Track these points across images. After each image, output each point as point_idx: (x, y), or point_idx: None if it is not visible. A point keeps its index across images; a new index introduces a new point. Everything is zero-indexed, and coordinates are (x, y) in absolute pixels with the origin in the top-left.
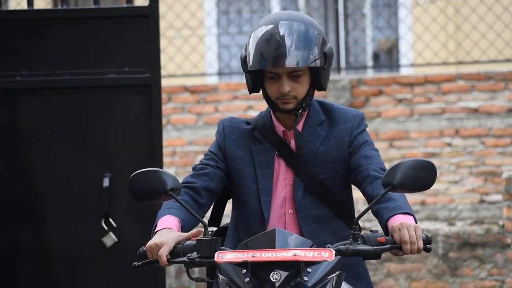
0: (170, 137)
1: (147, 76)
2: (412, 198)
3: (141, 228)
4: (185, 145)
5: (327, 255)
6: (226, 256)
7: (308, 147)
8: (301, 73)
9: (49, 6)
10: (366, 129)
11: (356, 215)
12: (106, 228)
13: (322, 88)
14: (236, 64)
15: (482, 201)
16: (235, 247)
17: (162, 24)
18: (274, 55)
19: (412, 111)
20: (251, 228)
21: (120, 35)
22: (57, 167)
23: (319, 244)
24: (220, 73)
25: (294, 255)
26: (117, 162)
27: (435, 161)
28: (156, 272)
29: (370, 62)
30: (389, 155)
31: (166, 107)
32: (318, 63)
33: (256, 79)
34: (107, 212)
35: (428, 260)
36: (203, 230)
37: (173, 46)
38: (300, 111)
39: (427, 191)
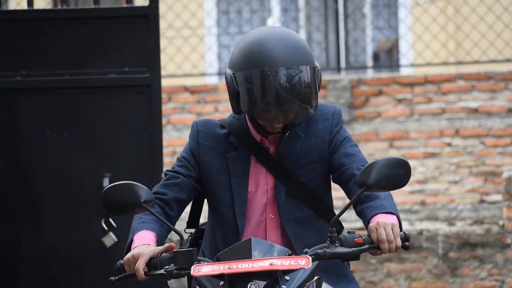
0: (170, 137)
1: (147, 76)
2: (412, 198)
3: None
4: (185, 145)
5: (304, 262)
6: (202, 269)
7: (287, 150)
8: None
9: (49, 6)
10: (343, 125)
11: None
12: (106, 228)
13: (313, 111)
14: None
15: (482, 201)
16: (212, 252)
17: (162, 24)
18: (269, 113)
19: (412, 111)
20: (226, 237)
21: (120, 35)
22: (57, 167)
23: (304, 246)
24: (220, 73)
25: (271, 264)
26: (117, 162)
27: (435, 161)
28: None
29: (370, 62)
30: (389, 155)
31: (166, 107)
32: (312, 102)
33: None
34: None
35: (428, 260)
36: (177, 241)
37: (173, 46)
38: (287, 134)
39: (427, 191)
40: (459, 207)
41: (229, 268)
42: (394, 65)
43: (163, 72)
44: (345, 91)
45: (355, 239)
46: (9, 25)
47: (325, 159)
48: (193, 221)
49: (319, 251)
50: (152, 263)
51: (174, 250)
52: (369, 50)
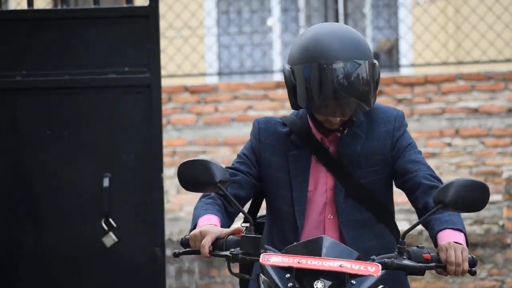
0: (170, 137)
1: (147, 76)
2: None
3: (141, 228)
4: (185, 145)
5: (373, 269)
6: (272, 259)
7: (348, 151)
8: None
9: (49, 6)
10: (407, 128)
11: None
12: (106, 228)
13: (370, 106)
14: (236, 64)
15: None
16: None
17: (162, 24)
18: (326, 107)
19: (412, 111)
20: (284, 235)
21: (120, 35)
22: (57, 167)
23: (361, 250)
24: (220, 73)
25: (341, 266)
26: (117, 162)
27: (435, 161)
28: (156, 272)
29: None
30: None
31: (166, 107)
32: (369, 99)
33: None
34: (107, 212)
35: None
36: (244, 227)
37: (173, 46)
38: (346, 130)
39: None
40: None
41: (298, 262)
42: (394, 65)
43: (163, 72)
44: None
45: (424, 255)
46: (9, 25)
47: (386, 162)
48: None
49: (386, 260)
50: (218, 243)
51: (242, 234)
52: None
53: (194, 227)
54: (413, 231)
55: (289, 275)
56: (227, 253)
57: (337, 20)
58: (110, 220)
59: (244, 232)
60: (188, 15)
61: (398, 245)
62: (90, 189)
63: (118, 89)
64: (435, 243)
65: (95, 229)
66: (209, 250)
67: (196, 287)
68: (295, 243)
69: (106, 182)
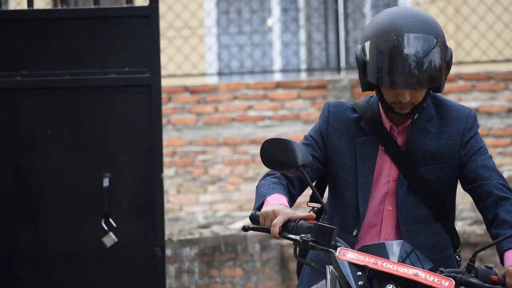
0: (170, 137)
1: (147, 76)
2: None
3: (141, 228)
4: (185, 145)
5: (447, 284)
6: (348, 254)
7: (416, 145)
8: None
9: (49, 6)
10: (478, 130)
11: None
12: (106, 228)
13: (439, 90)
14: (236, 64)
15: None
16: None
17: (162, 24)
18: (393, 76)
19: None
20: (346, 221)
21: (120, 35)
22: (57, 167)
23: (415, 245)
24: (220, 73)
25: (415, 274)
26: (117, 162)
27: None
28: (156, 272)
29: None
30: None
31: (166, 107)
32: (439, 78)
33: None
34: (107, 212)
35: None
36: (314, 215)
37: (173, 46)
38: (416, 115)
39: None
40: (459, 207)
41: (374, 263)
42: None
43: (163, 72)
44: (345, 91)
45: (491, 276)
46: (9, 25)
47: (454, 162)
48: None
49: (455, 274)
50: (288, 225)
51: (315, 222)
52: None
53: (261, 204)
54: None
55: (360, 273)
56: (298, 237)
57: (337, 20)
58: (110, 220)
59: (319, 220)
60: (188, 15)
61: (468, 262)
62: (90, 189)
63: (118, 89)
64: (502, 260)
65: (95, 229)
66: (279, 231)
67: (196, 287)
68: (372, 243)
69: (106, 182)
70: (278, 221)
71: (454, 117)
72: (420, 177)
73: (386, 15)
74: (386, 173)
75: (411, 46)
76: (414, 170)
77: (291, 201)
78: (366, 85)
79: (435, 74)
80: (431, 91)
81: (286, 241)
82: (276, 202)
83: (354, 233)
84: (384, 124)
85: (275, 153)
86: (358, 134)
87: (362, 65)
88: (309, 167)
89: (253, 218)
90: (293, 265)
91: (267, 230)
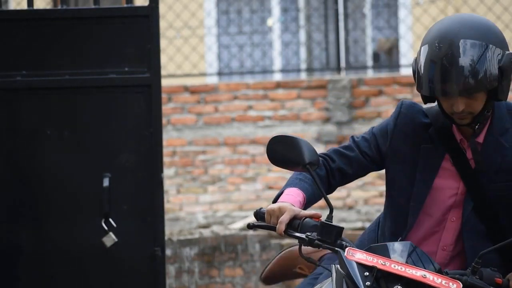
0: (170, 137)
1: (147, 76)
2: None
3: (141, 228)
4: (185, 145)
5: (455, 286)
6: (356, 254)
7: (488, 162)
8: (476, 91)
9: (49, 6)
10: None
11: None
12: (106, 228)
13: (501, 99)
14: (236, 64)
15: None
16: (376, 235)
17: (162, 24)
18: (443, 84)
19: None
20: (395, 228)
21: (120, 35)
22: (57, 167)
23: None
24: (220, 73)
25: (423, 276)
26: (117, 162)
27: None
28: (156, 272)
29: (370, 62)
30: None
31: (166, 107)
32: (492, 84)
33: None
34: (107, 212)
35: None
36: (320, 213)
37: (173, 46)
38: (477, 126)
39: None
40: None
41: (382, 263)
42: (394, 65)
43: (163, 72)
44: (345, 91)
45: (496, 279)
46: (9, 25)
47: None
48: None
49: (460, 277)
50: (293, 223)
51: (321, 221)
52: (369, 50)
53: (278, 196)
54: None
55: (368, 273)
56: (303, 235)
57: (337, 20)
58: (110, 220)
59: (324, 219)
60: (188, 15)
61: (473, 263)
62: (90, 189)
63: (118, 89)
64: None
65: (95, 229)
66: (285, 229)
67: (196, 287)
68: (381, 243)
69: (106, 182)
70: (284, 219)
71: None
72: (487, 198)
73: (439, 22)
74: (454, 185)
75: (458, 52)
76: (479, 188)
77: (329, 190)
78: (424, 99)
79: (482, 79)
80: (495, 101)
81: (286, 241)
82: (287, 198)
83: (399, 240)
84: (454, 135)
85: (281, 150)
86: (425, 141)
87: (414, 74)
88: (316, 165)
89: (258, 215)
90: None
91: (272, 228)
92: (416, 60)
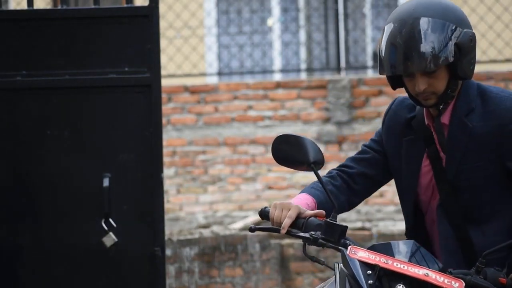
0: (170, 137)
1: (147, 76)
2: None
3: (141, 228)
4: (185, 145)
5: (457, 285)
6: (359, 253)
7: (454, 142)
8: (435, 69)
9: (49, 6)
10: None
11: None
12: (106, 228)
13: (465, 78)
14: (236, 64)
15: None
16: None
17: (162, 24)
18: (400, 62)
19: None
20: (406, 224)
21: (120, 35)
22: (57, 167)
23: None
24: (220, 73)
25: (426, 275)
26: (117, 162)
27: None
28: (156, 272)
29: (370, 62)
30: None
31: (166, 107)
32: (449, 59)
33: (393, 76)
34: (107, 212)
35: None
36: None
37: (173, 46)
38: (441, 106)
39: None
40: None
41: (384, 262)
42: None
43: (163, 72)
44: (345, 91)
45: (500, 278)
46: (9, 25)
47: (496, 159)
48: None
49: (464, 276)
50: (297, 222)
51: (325, 219)
52: (369, 50)
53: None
54: None
55: (371, 272)
56: (307, 235)
57: (337, 20)
58: (110, 220)
59: (329, 218)
60: (188, 15)
61: (477, 263)
62: (90, 189)
63: (118, 89)
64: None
65: (95, 229)
66: (288, 230)
67: (196, 287)
68: (383, 242)
69: (106, 182)
70: (291, 214)
71: (498, 111)
72: (451, 184)
73: (402, 5)
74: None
75: (410, 29)
76: (445, 174)
77: (356, 197)
78: (390, 83)
79: (437, 55)
80: (458, 79)
81: (286, 241)
82: (296, 200)
83: (407, 235)
84: (425, 120)
85: (286, 149)
86: (407, 133)
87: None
88: (321, 164)
89: (263, 214)
90: (293, 265)
91: (274, 230)
92: (378, 44)
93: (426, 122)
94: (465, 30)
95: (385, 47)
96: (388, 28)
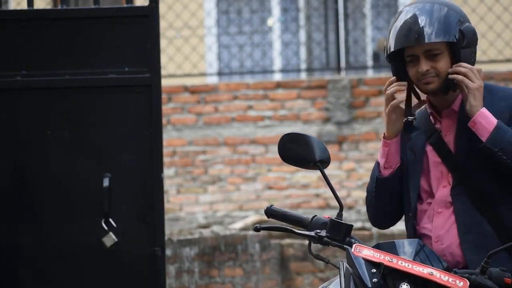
0: (170, 137)
1: (147, 76)
2: None
3: (141, 228)
4: (185, 145)
5: (462, 284)
6: (363, 251)
7: (461, 135)
8: (439, 52)
9: (49, 6)
10: None
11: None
12: (106, 228)
13: (463, 61)
14: (236, 64)
15: None
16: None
17: (162, 24)
18: (405, 34)
19: None
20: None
21: (120, 35)
22: (57, 167)
23: (478, 233)
24: (220, 73)
25: (430, 273)
26: (117, 162)
27: None
28: (156, 272)
29: (370, 62)
30: None
31: (166, 107)
32: (452, 38)
33: (398, 67)
34: (107, 212)
35: None
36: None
37: (173, 46)
38: (449, 92)
39: None
40: None
41: (389, 260)
42: None
43: (163, 72)
44: (345, 91)
45: (505, 279)
46: (9, 25)
47: None
48: None
49: (469, 276)
50: (304, 221)
51: (331, 218)
52: (369, 50)
53: (378, 169)
54: None
55: (375, 270)
56: (312, 233)
57: (337, 20)
58: (110, 220)
59: (334, 217)
60: (188, 15)
61: (482, 263)
62: (90, 189)
63: (118, 89)
64: None
65: (95, 229)
66: (294, 229)
67: (196, 287)
68: (388, 241)
69: (106, 182)
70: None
71: (503, 96)
72: (468, 173)
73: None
74: (440, 168)
75: (417, 10)
76: (458, 164)
77: (393, 197)
78: (394, 73)
79: (442, 31)
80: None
81: (286, 241)
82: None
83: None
84: (429, 116)
85: (292, 147)
86: (414, 130)
87: (386, 51)
88: (327, 162)
89: (269, 212)
90: (293, 265)
91: (280, 229)
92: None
93: (432, 117)
94: (470, 24)
95: (393, 29)
96: (398, 14)
